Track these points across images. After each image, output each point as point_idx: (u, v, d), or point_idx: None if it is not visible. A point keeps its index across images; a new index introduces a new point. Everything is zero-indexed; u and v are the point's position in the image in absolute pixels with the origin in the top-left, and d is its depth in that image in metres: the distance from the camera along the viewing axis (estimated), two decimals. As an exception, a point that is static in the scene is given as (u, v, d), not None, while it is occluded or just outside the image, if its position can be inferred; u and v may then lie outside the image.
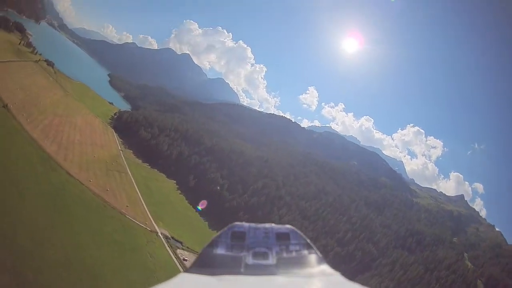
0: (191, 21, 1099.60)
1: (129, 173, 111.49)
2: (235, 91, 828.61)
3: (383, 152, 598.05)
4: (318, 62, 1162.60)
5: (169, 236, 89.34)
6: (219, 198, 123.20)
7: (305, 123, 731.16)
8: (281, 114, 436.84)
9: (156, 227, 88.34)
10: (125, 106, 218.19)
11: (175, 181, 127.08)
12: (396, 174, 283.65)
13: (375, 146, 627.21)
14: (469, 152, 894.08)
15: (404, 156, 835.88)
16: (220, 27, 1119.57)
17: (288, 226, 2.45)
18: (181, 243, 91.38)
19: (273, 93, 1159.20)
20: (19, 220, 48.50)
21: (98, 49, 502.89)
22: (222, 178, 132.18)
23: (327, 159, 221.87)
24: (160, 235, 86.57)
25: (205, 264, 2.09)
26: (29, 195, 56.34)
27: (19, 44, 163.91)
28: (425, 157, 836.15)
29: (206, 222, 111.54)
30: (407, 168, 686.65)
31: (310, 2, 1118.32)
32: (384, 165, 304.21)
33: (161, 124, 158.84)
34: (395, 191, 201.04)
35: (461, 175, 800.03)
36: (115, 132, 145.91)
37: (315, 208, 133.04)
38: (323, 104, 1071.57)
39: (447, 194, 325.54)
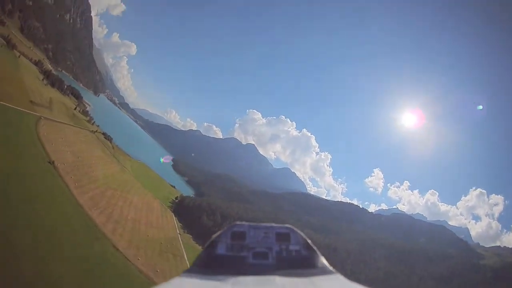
0: (254, 110, 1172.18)
1: (185, 257, 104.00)
2: (302, 179, 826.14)
3: (449, 223, 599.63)
4: (381, 143, 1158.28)
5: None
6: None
7: (372, 208, 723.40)
8: (348, 200, 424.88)
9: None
10: (187, 191, 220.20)
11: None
12: (462, 242, 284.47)
13: (441, 219, 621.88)
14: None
15: (469, 222, 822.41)
16: (283, 116, 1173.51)
17: (288, 225, 2.44)
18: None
19: (339, 179, 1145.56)
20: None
21: (162, 132, 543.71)
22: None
23: (395, 240, 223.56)
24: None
25: (205, 264, 2.10)
26: (68, 258, 51.72)
27: (75, 109, 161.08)
28: (488, 217, 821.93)
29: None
30: (473, 233, 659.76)
31: (365, 90, 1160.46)
32: (450, 235, 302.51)
33: (225, 212, 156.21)
34: (462, 259, 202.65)
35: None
36: (175, 215, 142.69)
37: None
38: (388, 185, 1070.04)
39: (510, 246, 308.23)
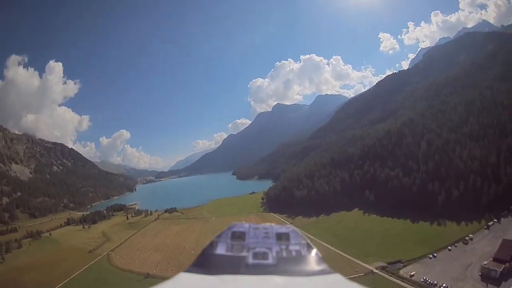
0: (259, 78, 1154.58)
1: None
2: (336, 93, 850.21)
3: None
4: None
5: (385, 265, 77.65)
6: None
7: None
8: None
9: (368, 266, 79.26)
10: (268, 184, 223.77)
11: None
12: None
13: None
14: None
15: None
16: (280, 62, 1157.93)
17: (288, 225, 2.48)
18: (399, 261, 76.89)
19: (362, 66, 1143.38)
20: None
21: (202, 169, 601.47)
22: None
23: None
24: (376, 271, 76.43)
25: (205, 264, 2.12)
26: None
27: (127, 219, 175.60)
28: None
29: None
30: None
31: None
32: None
33: (308, 173, 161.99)
34: None
35: None
36: (274, 212, 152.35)
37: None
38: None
39: None
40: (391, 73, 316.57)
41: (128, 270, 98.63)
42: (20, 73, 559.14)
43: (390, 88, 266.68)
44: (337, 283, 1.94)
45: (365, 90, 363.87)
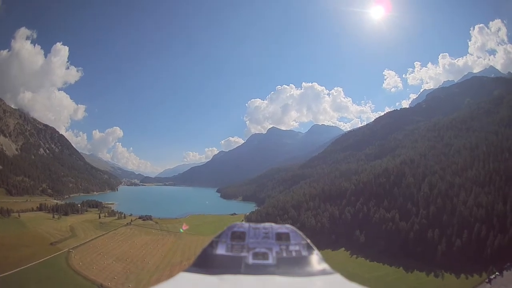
0: (258, 99, 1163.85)
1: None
2: (333, 125, 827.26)
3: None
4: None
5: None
6: None
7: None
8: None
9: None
10: (251, 207, 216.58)
11: None
12: None
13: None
14: None
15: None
16: (280, 86, 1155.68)
17: (288, 226, 2.53)
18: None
19: (362, 101, 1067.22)
20: None
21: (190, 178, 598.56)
22: None
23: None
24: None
25: (205, 264, 2.16)
26: None
27: (99, 218, 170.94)
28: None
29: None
30: None
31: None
32: None
33: (293, 203, 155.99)
34: None
35: None
36: None
37: None
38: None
39: None
40: (390, 110, 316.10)
41: (83, 276, 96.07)
42: (26, 48, 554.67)
43: (390, 124, 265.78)
44: (337, 283, 1.95)
45: (362, 125, 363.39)
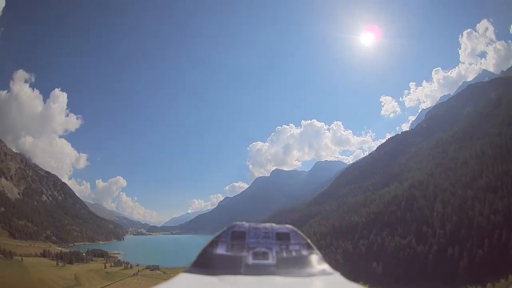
0: (259, 142, 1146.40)
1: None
2: (335, 159, 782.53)
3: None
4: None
5: None
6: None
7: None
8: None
9: None
10: None
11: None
12: None
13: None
14: None
15: None
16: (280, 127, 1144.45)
17: (288, 226, 2.56)
18: None
19: (362, 131, 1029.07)
20: None
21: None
22: None
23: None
24: None
25: (205, 264, 2.15)
26: None
27: (105, 268, 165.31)
28: None
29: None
30: None
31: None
32: None
33: None
34: None
35: None
36: None
37: None
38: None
39: None
40: (391, 136, 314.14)
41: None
42: (25, 92, 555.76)
43: (393, 150, 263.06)
44: (337, 284, 2.00)
45: (365, 155, 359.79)
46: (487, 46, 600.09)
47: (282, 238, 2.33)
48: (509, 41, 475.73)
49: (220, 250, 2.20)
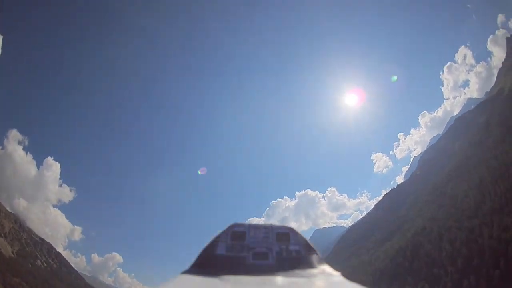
0: (255, 218, 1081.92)
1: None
2: (335, 224, 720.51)
3: None
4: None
5: None
6: None
7: None
8: None
9: None
10: None
11: None
12: None
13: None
14: None
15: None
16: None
17: (288, 226, 2.54)
18: None
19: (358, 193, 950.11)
20: None
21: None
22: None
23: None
24: None
25: (205, 264, 2.18)
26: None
27: None
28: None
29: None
30: None
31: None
32: None
33: None
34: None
35: None
36: None
37: None
38: None
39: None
40: (387, 191, 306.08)
41: None
42: (19, 153, 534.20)
43: (390, 205, 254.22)
44: (338, 284, 1.94)
45: (363, 216, 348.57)
46: (468, 73, 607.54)
47: (282, 238, 2.30)
48: (488, 58, 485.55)
49: (220, 251, 2.20)
